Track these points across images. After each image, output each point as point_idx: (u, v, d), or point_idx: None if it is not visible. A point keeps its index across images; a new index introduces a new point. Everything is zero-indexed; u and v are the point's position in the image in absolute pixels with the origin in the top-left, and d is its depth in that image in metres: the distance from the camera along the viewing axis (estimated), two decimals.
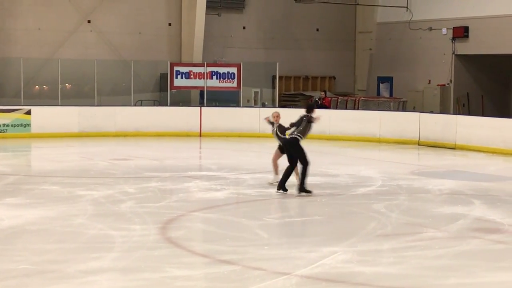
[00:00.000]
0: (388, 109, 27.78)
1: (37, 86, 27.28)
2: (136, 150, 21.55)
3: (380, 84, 31.96)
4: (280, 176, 13.76)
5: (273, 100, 29.65)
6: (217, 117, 26.18)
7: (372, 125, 24.54)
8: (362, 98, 29.64)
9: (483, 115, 27.15)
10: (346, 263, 8.75)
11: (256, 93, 29.41)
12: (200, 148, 23.58)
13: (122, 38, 28.49)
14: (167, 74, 27.79)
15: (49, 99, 26.62)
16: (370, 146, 23.40)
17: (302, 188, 13.35)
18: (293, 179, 13.74)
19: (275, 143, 14.67)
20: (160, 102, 28.45)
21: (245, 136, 25.26)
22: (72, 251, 9.28)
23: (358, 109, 28.10)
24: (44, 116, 24.69)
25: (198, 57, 28.71)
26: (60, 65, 26.46)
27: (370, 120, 24.72)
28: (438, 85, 29.25)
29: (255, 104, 29.00)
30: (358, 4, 32.03)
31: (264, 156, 21.30)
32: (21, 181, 15.40)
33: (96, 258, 8.84)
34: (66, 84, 27.39)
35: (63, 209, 11.93)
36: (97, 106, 26.49)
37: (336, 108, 28.09)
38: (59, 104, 26.15)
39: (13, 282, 7.90)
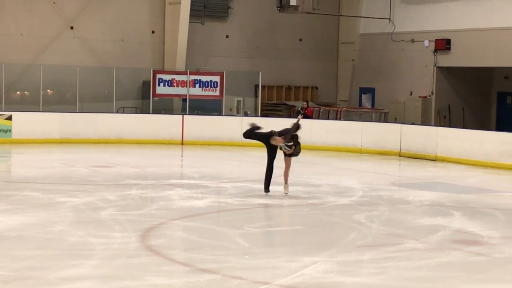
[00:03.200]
0: (370, 120, 27.88)
1: (18, 92, 27.13)
2: (117, 158, 21.48)
3: (362, 95, 32.07)
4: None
5: (256, 109, 29.67)
6: (199, 125, 26.15)
7: (354, 135, 24.59)
8: (344, 108, 29.73)
9: (463, 127, 27.29)
10: (326, 273, 8.76)
11: (238, 102, 29.41)
12: (182, 156, 23.55)
13: (105, 45, 28.42)
14: (150, 81, 27.74)
15: (31, 105, 26.47)
16: (351, 157, 23.45)
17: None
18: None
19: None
20: (142, 109, 28.37)
21: (227, 145, 25.24)
22: (52, 258, 9.23)
23: (340, 119, 28.20)
24: (25, 122, 24.55)
25: (181, 65, 28.67)
26: (42, 71, 26.33)
27: (352, 131, 24.78)
28: (419, 96, 29.39)
29: (238, 113, 29.00)
30: (341, 15, 32.18)
31: (246, 165, 21.30)
32: (1, 187, 15.30)
33: (76, 265, 8.80)
34: (48, 90, 27.26)
35: (43, 216, 11.87)
36: (78, 112, 26.39)
37: (318, 118, 28.16)
38: (41, 110, 26.00)
39: None
